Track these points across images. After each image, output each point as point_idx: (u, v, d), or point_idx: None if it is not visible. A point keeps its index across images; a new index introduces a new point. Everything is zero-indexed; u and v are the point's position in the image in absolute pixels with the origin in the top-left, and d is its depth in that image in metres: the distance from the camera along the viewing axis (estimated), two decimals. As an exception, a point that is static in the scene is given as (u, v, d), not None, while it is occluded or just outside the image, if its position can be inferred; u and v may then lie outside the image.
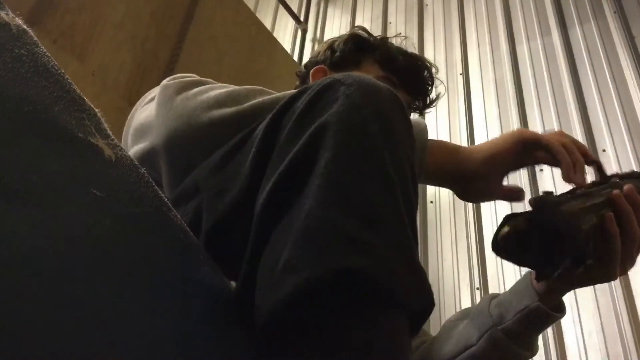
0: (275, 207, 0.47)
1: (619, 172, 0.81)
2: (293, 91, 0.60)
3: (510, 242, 0.67)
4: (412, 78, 1.16)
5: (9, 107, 0.37)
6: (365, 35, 1.20)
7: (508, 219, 0.67)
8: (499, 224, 0.68)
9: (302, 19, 3.51)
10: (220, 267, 0.52)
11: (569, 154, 0.74)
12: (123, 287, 0.40)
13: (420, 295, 0.45)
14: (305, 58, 3.26)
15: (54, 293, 0.36)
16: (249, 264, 0.48)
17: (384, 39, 1.20)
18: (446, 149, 0.80)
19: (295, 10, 3.55)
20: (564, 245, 0.68)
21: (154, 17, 1.86)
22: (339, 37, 1.21)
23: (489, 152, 0.78)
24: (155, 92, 0.82)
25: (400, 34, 1.32)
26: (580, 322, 1.71)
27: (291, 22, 3.52)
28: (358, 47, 1.16)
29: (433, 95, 1.21)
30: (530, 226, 0.67)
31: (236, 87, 0.77)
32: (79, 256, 0.38)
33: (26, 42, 0.41)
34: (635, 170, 0.82)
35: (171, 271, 0.46)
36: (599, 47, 2.26)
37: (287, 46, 3.29)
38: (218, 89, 0.76)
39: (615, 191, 0.72)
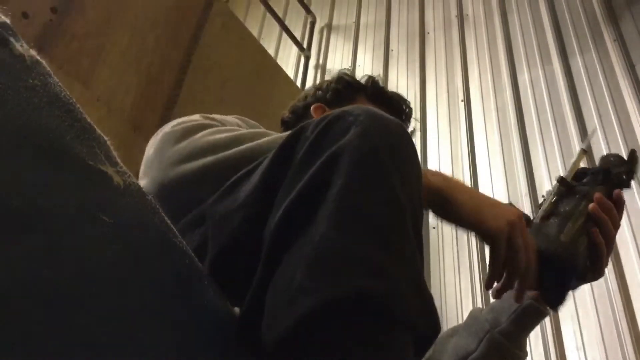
0: (287, 231, 0.48)
1: (585, 166, 0.88)
2: (284, 134, 0.61)
3: None
4: (400, 109, 1.23)
5: (24, 135, 0.38)
6: (350, 77, 1.27)
7: None
8: None
9: (305, 46, 3.55)
10: (224, 293, 0.53)
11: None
12: (129, 312, 0.41)
13: (427, 320, 0.46)
14: (309, 84, 3.29)
15: (60, 321, 0.36)
16: (258, 286, 0.48)
17: (370, 77, 1.27)
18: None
19: (298, 37, 3.59)
20: (567, 270, 0.76)
21: (159, 43, 1.89)
22: (324, 81, 1.28)
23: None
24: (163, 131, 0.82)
25: (379, 75, 1.43)
26: (580, 330, 1.71)
27: (294, 49, 3.56)
28: (350, 85, 1.22)
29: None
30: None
31: (240, 132, 0.77)
32: (86, 282, 0.39)
33: (40, 72, 0.42)
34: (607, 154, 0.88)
35: (176, 296, 0.46)
36: (600, 75, 2.28)
37: (290, 72, 3.32)
38: (215, 135, 0.76)
39: (591, 205, 0.78)
